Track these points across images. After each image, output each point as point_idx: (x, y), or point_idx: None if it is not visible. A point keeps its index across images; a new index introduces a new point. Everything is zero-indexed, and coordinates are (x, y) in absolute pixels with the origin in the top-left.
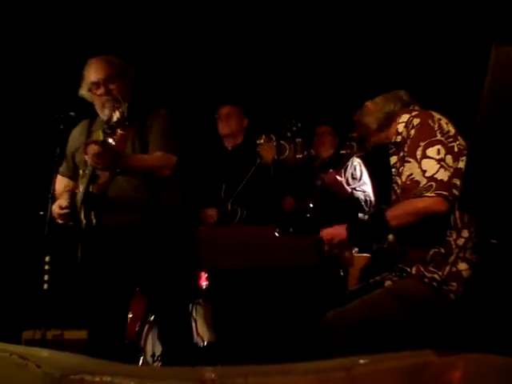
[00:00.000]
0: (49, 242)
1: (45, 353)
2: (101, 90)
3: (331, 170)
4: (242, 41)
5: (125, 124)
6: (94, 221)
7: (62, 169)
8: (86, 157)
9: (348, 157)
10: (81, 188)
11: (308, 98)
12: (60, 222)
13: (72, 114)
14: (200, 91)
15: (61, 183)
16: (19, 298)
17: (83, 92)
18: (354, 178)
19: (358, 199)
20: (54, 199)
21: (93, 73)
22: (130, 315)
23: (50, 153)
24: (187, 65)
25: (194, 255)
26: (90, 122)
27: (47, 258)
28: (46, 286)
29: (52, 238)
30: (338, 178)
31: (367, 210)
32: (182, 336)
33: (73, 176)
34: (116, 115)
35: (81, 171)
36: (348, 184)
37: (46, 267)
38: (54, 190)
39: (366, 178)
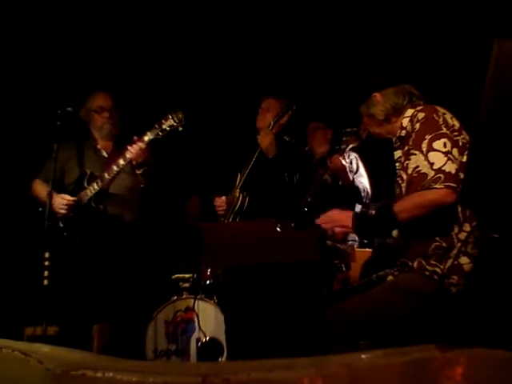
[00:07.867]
0: (48, 238)
1: (46, 349)
2: (105, 114)
3: (336, 155)
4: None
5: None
6: (101, 207)
7: (43, 174)
8: (129, 151)
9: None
10: (87, 185)
11: (300, 94)
12: (63, 212)
13: (69, 109)
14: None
15: (42, 187)
16: (21, 294)
17: (82, 114)
18: (350, 171)
19: (357, 188)
20: (51, 197)
21: (102, 100)
22: None
23: (47, 149)
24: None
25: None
26: (77, 143)
27: (47, 254)
28: (46, 282)
29: (52, 234)
30: (343, 161)
31: (365, 200)
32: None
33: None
34: (168, 122)
35: (71, 176)
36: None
37: (46, 263)
38: (50, 190)
39: (362, 171)
